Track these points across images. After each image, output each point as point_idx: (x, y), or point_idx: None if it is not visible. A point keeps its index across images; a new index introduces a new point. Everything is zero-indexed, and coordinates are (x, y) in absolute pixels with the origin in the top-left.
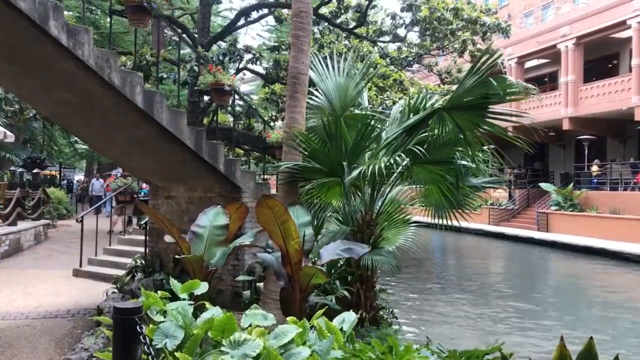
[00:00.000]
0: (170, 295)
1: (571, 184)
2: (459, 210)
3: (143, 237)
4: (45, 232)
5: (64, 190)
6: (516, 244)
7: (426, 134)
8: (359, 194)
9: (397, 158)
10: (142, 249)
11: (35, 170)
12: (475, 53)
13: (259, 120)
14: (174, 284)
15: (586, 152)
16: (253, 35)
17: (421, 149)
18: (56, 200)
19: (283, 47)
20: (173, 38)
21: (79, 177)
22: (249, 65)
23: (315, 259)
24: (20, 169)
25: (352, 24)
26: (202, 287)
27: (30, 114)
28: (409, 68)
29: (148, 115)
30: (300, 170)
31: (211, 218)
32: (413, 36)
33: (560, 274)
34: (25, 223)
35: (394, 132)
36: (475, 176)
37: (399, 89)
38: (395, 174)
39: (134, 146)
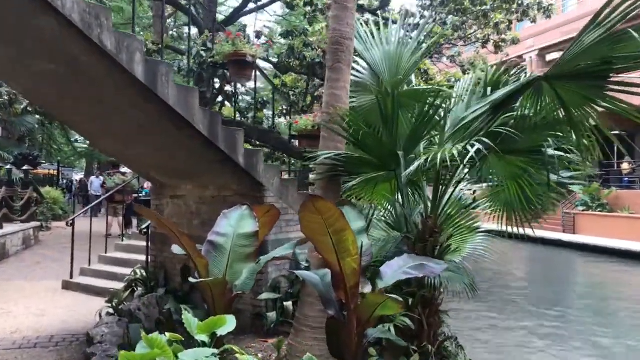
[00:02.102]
0: (182, 338)
1: (598, 183)
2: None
3: (144, 244)
4: (35, 236)
5: (61, 189)
6: (543, 247)
7: (511, 113)
8: (418, 192)
9: (476, 144)
10: (143, 257)
11: (24, 167)
12: (500, 43)
13: (268, 116)
14: (188, 320)
15: (615, 148)
16: (260, 27)
17: (513, 131)
18: (51, 200)
19: (296, 32)
20: (174, 31)
21: (78, 176)
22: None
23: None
24: (9, 166)
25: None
26: (229, 325)
27: (22, 106)
28: (428, 59)
29: (151, 91)
30: (344, 162)
31: (235, 223)
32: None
33: (618, 286)
34: (13, 226)
35: (473, 110)
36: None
37: (423, 79)
38: (460, 168)
39: (133, 134)
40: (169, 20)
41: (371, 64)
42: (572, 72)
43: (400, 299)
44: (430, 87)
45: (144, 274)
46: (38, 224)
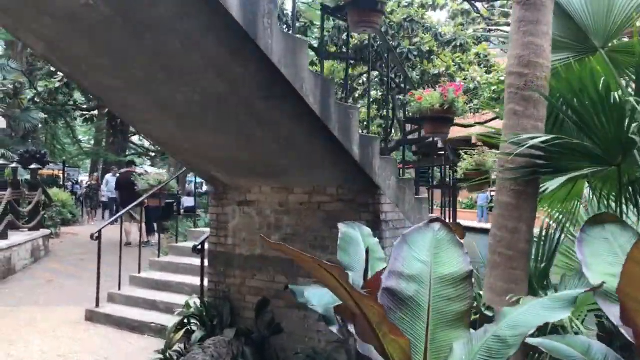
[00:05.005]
0: None
1: None
2: None
3: (190, 261)
4: (45, 246)
5: (70, 192)
6: None
7: None
8: None
9: None
10: (190, 279)
11: (32, 166)
12: None
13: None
14: None
15: None
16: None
17: None
18: (60, 203)
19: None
20: None
21: (83, 177)
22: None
23: None
24: (14, 164)
25: None
26: None
27: (28, 97)
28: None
29: (246, 41)
30: (552, 152)
31: (427, 257)
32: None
33: None
34: (19, 235)
35: None
36: None
37: (482, 65)
38: None
39: (203, 112)
40: None
41: (565, 7)
42: None
43: None
44: None
45: (200, 306)
46: (48, 231)
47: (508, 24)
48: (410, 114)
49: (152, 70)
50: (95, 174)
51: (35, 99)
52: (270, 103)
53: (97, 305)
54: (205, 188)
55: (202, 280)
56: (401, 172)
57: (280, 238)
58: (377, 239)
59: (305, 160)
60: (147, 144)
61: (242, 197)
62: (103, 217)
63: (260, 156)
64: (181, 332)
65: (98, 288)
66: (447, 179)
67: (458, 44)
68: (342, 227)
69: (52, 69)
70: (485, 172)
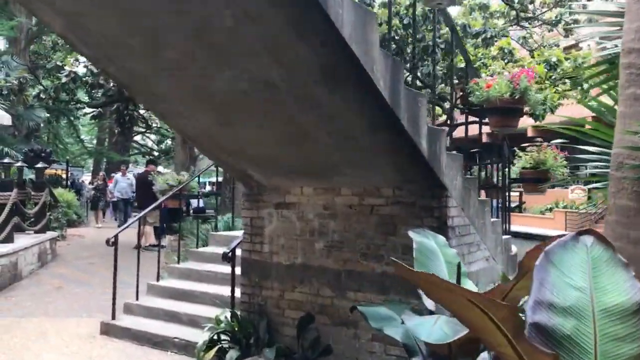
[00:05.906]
0: None
1: None
2: None
3: (213, 267)
4: (52, 249)
5: (75, 192)
6: None
7: None
8: None
9: None
10: (218, 289)
11: (39, 165)
12: (571, 25)
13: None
14: None
15: None
16: None
17: None
18: (65, 203)
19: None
20: None
21: (85, 176)
22: None
23: None
24: (20, 163)
25: None
26: None
27: (33, 93)
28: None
29: (316, 6)
30: None
31: (584, 282)
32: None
33: None
34: (26, 238)
35: None
36: None
37: (509, 60)
38: None
39: (249, 101)
40: None
41: None
42: None
43: None
44: None
45: (231, 320)
46: (55, 234)
47: (528, 18)
48: (472, 105)
49: (191, 51)
50: (102, 173)
51: (41, 95)
52: (331, 90)
53: (113, 317)
54: (208, 188)
55: (232, 292)
56: None
57: (325, 245)
58: (454, 250)
59: (361, 156)
60: (150, 143)
61: (280, 199)
62: (114, 219)
63: (309, 152)
64: (213, 351)
65: (114, 299)
66: (497, 179)
67: (488, 36)
68: (414, 235)
69: (59, 62)
70: (544, 172)
